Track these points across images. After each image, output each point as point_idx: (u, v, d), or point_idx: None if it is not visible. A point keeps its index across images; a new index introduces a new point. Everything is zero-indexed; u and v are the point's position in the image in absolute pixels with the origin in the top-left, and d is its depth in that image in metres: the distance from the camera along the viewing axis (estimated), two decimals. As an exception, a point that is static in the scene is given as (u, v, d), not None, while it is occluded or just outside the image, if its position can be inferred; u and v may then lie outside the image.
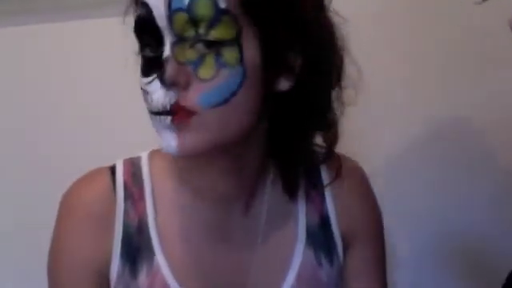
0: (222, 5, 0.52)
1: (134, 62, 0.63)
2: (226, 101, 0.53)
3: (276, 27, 0.55)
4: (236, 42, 0.53)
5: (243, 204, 0.66)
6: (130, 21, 0.60)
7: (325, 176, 0.71)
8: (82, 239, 0.64)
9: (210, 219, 0.66)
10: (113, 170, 0.68)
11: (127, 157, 0.70)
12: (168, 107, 0.53)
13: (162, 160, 0.68)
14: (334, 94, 0.63)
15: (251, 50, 0.54)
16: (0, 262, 1.03)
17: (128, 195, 0.66)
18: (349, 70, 0.62)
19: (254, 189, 0.67)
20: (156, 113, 0.55)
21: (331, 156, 0.67)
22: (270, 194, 0.68)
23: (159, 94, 0.54)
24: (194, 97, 0.53)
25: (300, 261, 0.67)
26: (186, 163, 0.65)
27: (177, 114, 0.53)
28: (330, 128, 0.64)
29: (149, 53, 0.55)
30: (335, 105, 0.63)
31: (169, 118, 0.53)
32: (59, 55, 1.00)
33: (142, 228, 0.65)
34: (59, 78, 1.00)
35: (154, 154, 0.70)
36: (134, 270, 0.64)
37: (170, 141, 0.54)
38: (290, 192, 0.68)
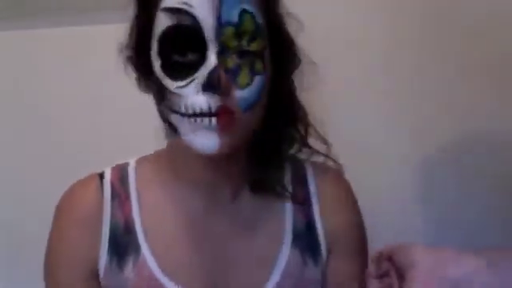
0: (259, 20, 0.61)
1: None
2: (257, 102, 0.62)
3: (281, 46, 0.66)
4: (263, 54, 0.62)
5: (230, 193, 0.70)
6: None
7: (311, 179, 0.75)
8: (73, 239, 0.69)
9: (197, 209, 0.69)
10: (101, 175, 0.72)
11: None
12: (213, 109, 0.59)
13: (150, 161, 0.73)
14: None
15: (267, 62, 0.63)
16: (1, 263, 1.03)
17: (115, 196, 0.70)
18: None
19: (240, 177, 0.71)
20: (193, 114, 0.59)
21: (305, 145, 0.74)
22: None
23: (199, 98, 0.59)
24: (235, 101, 0.60)
25: (286, 258, 0.70)
26: (182, 157, 0.69)
27: (222, 116, 0.59)
28: (298, 119, 0.72)
29: (179, 58, 0.60)
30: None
31: (213, 119, 0.59)
32: (60, 59, 1.01)
33: (129, 226, 0.69)
34: (60, 81, 1.02)
35: (141, 158, 0.74)
36: (120, 263, 0.67)
37: (209, 140, 0.60)
38: (262, 186, 0.71)
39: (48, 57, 1.01)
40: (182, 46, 0.59)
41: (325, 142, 0.75)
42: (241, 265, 0.69)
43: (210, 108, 0.59)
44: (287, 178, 0.74)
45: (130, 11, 0.65)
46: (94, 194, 0.70)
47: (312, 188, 0.74)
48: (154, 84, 0.63)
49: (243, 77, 0.60)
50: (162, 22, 0.60)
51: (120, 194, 0.70)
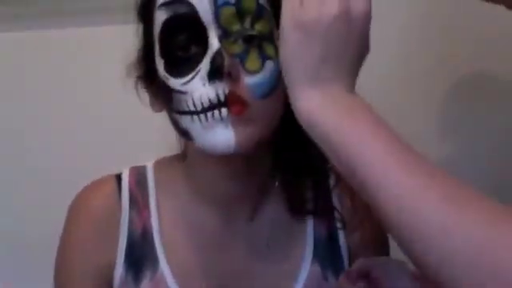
0: (262, 1, 0.55)
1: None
2: (271, 92, 0.55)
3: None
4: (272, 37, 0.55)
5: (249, 209, 0.66)
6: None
7: (333, 190, 0.70)
8: (87, 244, 0.66)
9: (215, 225, 0.66)
10: (119, 177, 0.69)
11: (133, 165, 0.71)
12: (222, 98, 0.53)
13: (168, 168, 0.69)
14: None
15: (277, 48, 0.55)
16: (1, 263, 1.03)
17: (133, 203, 0.67)
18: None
19: (260, 194, 0.67)
20: (203, 109, 0.53)
21: (340, 180, 0.67)
22: (276, 201, 0.68)
23: (206, 89, 0.53)
24: (245, 88, 0.54)
25: (306, 275, 0.67)
26: (199, 167, 0.65)
27: (233, 105, 0.53)
28: None
29: (183, 54, 0.55)
30: None
31: (224, 111, 0.53)
32: (60, 61, 1.00)
33: (147, 236, 0.66)
34: (60, 83, 1.01)
35: (159, 163, 0.71)
36: (136, 277, 0.65)
37: (223, 136, 0.53)
38: (294, 209, 0.68)
39: (49, 58, 1.00)
40: (184, 40, 0.55)
41: None
42: (260, 284, 0.66)
43: (218, 97, 0.52)
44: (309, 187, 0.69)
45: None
46: (111, 196, 0.67)
47: (335, 199, 0.70)
48: (162, 91, 0.58)
49: (252, 61, 0.54)
50: (159, 19, 0.55)
51: (138, 199, 0.67)
